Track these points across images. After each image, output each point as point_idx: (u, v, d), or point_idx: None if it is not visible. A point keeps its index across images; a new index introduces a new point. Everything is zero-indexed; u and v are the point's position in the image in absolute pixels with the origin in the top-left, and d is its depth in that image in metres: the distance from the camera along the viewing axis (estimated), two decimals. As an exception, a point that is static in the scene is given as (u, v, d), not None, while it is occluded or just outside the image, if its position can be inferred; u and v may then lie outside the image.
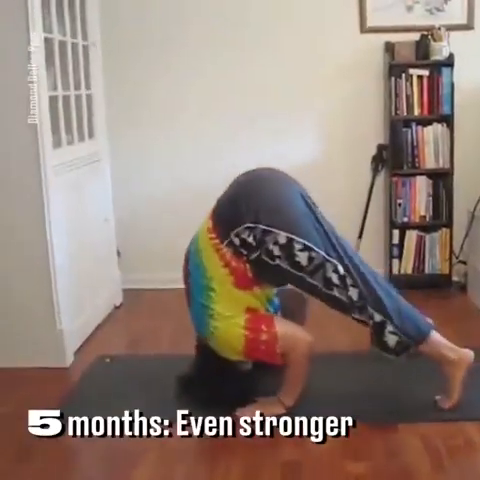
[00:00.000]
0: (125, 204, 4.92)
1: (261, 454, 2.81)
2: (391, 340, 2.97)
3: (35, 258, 3.62)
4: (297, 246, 2.91)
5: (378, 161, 4.82)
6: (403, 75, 4.55)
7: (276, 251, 2.91)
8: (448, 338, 3.91)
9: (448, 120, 4.58)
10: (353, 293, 2.95)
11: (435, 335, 3.05)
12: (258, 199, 2.97)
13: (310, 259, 2.92)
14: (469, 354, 3.06)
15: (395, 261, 4.75)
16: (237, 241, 2.94)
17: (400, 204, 4.69)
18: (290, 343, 3.02)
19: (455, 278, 4.81)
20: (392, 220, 4.72)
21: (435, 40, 4.50)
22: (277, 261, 2.93)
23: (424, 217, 4.72)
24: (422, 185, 4.68)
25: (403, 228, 4.74)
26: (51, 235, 3.60)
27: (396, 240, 4.73)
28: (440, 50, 4.49)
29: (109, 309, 4.57)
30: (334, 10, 4.74)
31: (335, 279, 2.94)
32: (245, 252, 2.95)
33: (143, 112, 4.92)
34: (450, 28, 4.54)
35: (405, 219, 4.72)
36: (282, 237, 2.90)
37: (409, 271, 4.77)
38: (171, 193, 4.97)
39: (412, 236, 4.73)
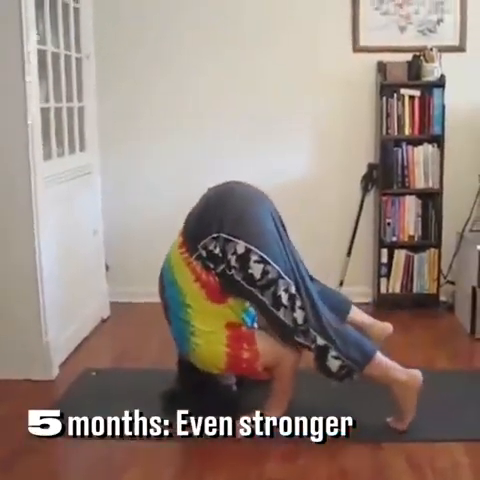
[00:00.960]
0: (117, 217, 4.91)
1: (247, 468, 2.81)
2: (334, 365, 2.96)
3: (23, 269, 3.60)
4: (253, 257, 2.89)
5: (368, 180, 4.82)
6: (395, 95, 4.57)
7: (233, 261, 2.91)
8: (435, 358, 3.91)
9: (438, 141, 4.60)
10: (299, 316, 2.93)
11: (380, 357, 3.01)
12: (224, 209, 2.98)
13: (264, 273, 2.90)
14: (418, 375, 3.02)
15: (383, 280, 4.75)
16: (204, 253, 2.94)
17: (389, 223, 4.70)
18: (272, 359, 3.02)
19: (443, 298, 4.81)
20: (381, 239, 4.72)
21: (427, 61, 4.53)
22: (232, 271, 2.92)
23: (413, 237, 4.73)
24: (411, 205, 4.69)
25: (392, 247, 4.74)
26: (40, 247, 3.59)
27: (385, 259, 4.73)
28: (432, 71, 4.52)
29: (96, 322, 4.54)
30: (327, 29, 4.76)
31: (284, 298, 2.92)
32: (212, 265, 2.94)
33: (138, 120, 4.89)
34: (442, 49, 4.57)
35: (394, 238, 4.72)
36: (241, 247, 2.90)
37: (397, 290, 4.77)
38: (164, 205, 4.92)
39: (401, 255, 4.74)
